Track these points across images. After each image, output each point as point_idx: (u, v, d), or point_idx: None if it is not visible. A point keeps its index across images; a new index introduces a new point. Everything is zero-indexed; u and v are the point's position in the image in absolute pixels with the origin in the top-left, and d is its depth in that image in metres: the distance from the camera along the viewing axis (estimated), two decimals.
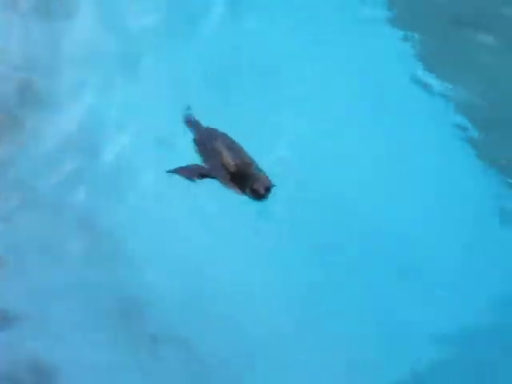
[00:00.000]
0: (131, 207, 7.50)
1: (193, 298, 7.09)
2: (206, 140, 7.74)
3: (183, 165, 7.61)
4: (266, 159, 7.60)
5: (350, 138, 7.94)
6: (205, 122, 7.97)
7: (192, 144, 7.82)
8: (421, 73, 8.56)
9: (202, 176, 7.55)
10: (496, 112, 8.27)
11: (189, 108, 8.07)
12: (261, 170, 7.47)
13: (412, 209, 7.53)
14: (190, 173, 7.55)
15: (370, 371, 6.75)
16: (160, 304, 7.07)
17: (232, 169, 7.42)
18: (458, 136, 8.10)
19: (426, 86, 8.45)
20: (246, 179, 7.33)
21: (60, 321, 6.99)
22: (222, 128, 7.83)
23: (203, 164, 7.65)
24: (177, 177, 7.59)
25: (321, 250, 7.25)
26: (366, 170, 7.74)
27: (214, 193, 7.48)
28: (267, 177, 7.41)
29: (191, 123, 7.98)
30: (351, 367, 6.78)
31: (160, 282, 7.14)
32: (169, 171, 7.59)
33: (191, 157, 7.70)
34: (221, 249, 7.23)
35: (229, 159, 7.44)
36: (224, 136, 7.71)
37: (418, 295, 7.06)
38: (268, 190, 7.31)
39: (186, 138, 7.87)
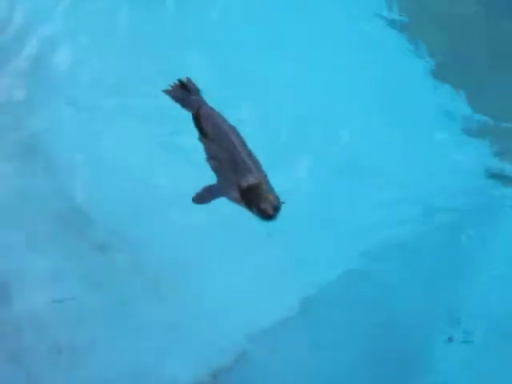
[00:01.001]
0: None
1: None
2: (218, 139, 7.44)
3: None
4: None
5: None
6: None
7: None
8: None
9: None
10: None
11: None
12: (271, 188, 7.16)
13: None
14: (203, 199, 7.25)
15: None
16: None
17: (243, 188, 7.16)
18: None
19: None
20: (254, 197, 7.05)
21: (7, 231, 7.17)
22: None
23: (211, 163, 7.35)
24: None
25: None
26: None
27: None
28: (277, 196, 7.08)
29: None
30: None
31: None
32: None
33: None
34: None
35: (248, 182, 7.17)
36: (238, 140, 7.40)
37: None
38: (277, 209, 6.99)
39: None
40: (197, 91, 7.87)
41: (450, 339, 7.21)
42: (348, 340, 7.17)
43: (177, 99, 7.85)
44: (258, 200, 7.00)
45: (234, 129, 7.49)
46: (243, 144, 7.40)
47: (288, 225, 7.11)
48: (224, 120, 7.56)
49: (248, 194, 7.09)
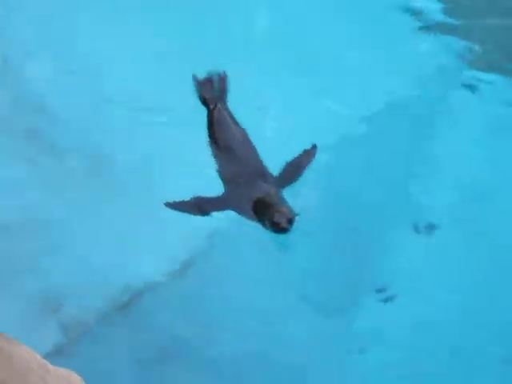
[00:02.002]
0: None
1: None
2: (228, 147, 7.09)
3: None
4: None
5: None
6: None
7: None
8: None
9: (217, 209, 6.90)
10: None
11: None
12: (284, 199, 6.78)
13: None
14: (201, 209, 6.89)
15: None
16: None
17: (255, 200, 6.78)
18: None
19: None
20: (266, 210, 6.61)
21: None
22: None
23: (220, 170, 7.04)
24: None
25: None
26: None
27: None
28: (290, 208, 6.64)
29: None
30: None
31: None
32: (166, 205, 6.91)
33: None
34: None
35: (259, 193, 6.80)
36: (250, 150, 7.09)
37: None
38: (291, 222, 6.52)
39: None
40: (224, 91, 7.53)
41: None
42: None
43: (200, 89, 7.54)
44: (270, 213, 6.54)
45: (246, 136, 7.15)
46: (256, 154, 7.06)
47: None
48: (238, 126, 7.25)
49: (260, 207, 6.67)
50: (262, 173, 6.97)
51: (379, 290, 6.92)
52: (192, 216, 7.08)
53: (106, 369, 6.31)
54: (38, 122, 7.74)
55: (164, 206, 6.83)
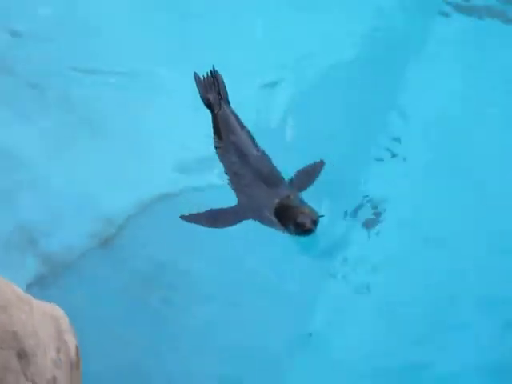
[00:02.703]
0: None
1: None
2: (236, 149, 6.82)
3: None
4: None
5: None
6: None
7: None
8: None
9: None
10: None
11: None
12: (304, 202, 6.60)
13: None
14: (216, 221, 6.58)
15: None
16: None
17: (277, 205, 6.55)
18: None
19: None
20: (289, 213, 6.41)
21: None
22: None
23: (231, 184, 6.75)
24: None
25: None
26: None
27: None
28: (313, 209, 6.47)
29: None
30: None
31: None
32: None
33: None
34: None
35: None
36: (259, 152, 6.83)
37: None
38: (315, 223, 6.34)
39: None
40: (224, 90, 7.21)
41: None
42: None
43: (203, 92, 7.24)
44: (294, 215, 6.35)
45: (253, 138, 6.93)
46: (266, 157, 6.84)
47: None
48: (243, 127, 7.00)
49: (282, 212, 6.47)
50: (277, 177, 6.78)
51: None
52: (170, 150, 7.13)
53: (87, 302, 6.29)
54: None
55: (181, 218, 6.57)
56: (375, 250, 6.71)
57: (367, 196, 7.03)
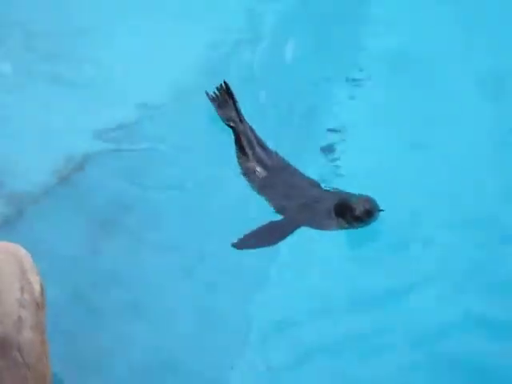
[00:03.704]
0: None
1: None
2: (262, 160, 6.70)
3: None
4: None
5: None
6: None
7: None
8: None
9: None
10: None
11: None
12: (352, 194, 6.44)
13: None
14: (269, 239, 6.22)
15: None
16: None
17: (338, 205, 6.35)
18: None
19: None
20: (347, 210, 6.28)
21: None
22: None
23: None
24: None
25: None
26: None
27: None
28: (365, 198, 6.33)
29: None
30: None
31: None
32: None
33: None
34: None
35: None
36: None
37: None
38: (371, 213, 6.28)
39: None
40: (235, 100, 7.04)
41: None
42: None
43: (221, 112, 7.07)
44: (350, 210, 6.24)
45: (268, 147, 6.83)
46: (292, 166, 6.74)
47: None
48: (260, 138, 6.89)
49: (343, 210, 6.31)
50: (312, 183, 6.68)
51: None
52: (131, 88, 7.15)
53: (50, 241, 6.24)
54: None
55: (232, 246, 6.17)
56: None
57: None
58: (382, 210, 6.30)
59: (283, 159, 6.79)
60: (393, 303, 5.93)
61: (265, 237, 6.20)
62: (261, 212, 6.43)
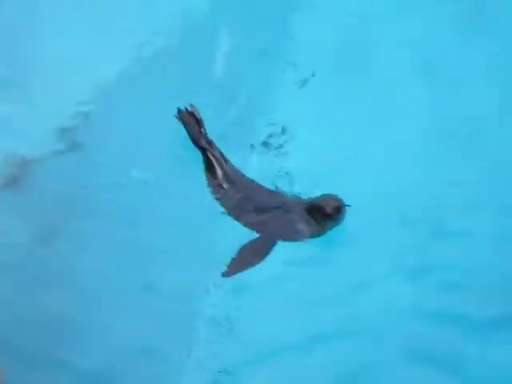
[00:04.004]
0: None
1: None
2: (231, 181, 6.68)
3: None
4: None
5: None
6: None
7: None
8: None
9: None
10: None
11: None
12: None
13: None
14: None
15: None
16: None
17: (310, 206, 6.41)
18: None
19: None
20: (318, 210, 6.34)
21: None
22: None
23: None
24: None
25: None
26: None
27: None
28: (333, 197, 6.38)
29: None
30: None
31: None
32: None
33: None
34: None
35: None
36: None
37: None
38: (339, 209, 6.32)
39: None
40: (202, 123, 6.93)
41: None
42: None
43: (193, 136, 6.93)
44: (320, 209, 6.30)
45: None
46: (255, 182, 6.71)
47: None
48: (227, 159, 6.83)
49: (311, 212, 6.36)
50: (275, 192, 6.69)
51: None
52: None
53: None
54: None
55: (222, 276, 6.12)
56: None
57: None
58: (348, 206, 6.36)
59: (243, 174, 6.78)
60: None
61: (249, 258, 6.21)
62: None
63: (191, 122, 6.94)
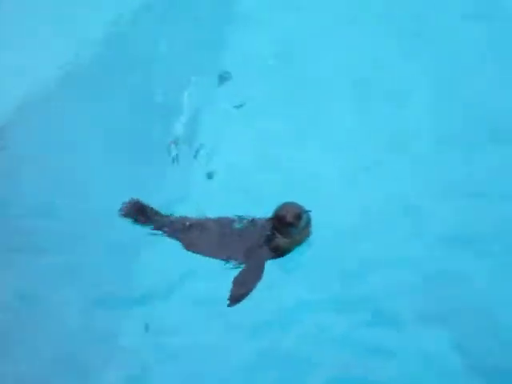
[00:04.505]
0: None
1: None
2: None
3: None
4: None
5: None
6: None
7: None
8: None
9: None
10: None
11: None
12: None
13: None
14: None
15: None
16: None
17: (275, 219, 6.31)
18: None
19: None
20: (277, 221, 6.27)
21: None
22: None
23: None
24: None
25: None
26: None
27: None
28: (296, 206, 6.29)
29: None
30: None
31: None
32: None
33: None
34: None
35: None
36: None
37: None
38: (299, 216, 6.23)
39: None
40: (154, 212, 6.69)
41: None
42: None
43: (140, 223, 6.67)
44: (282, 219, 6.19)
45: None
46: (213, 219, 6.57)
47: None
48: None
49: (274, 225, 6.28)
50: (228, 221, 6.54)
51: None
52: None
53: None
54: None
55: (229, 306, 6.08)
56: None
57: None
58: (308, 211, 6.27)
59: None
60: None
61: (245, 285, 6.16)
62: None
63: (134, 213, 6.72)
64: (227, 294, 6.01)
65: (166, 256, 6.31)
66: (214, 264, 6.21)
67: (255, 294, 6.05)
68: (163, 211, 6.58)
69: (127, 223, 6.53)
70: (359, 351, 5.72)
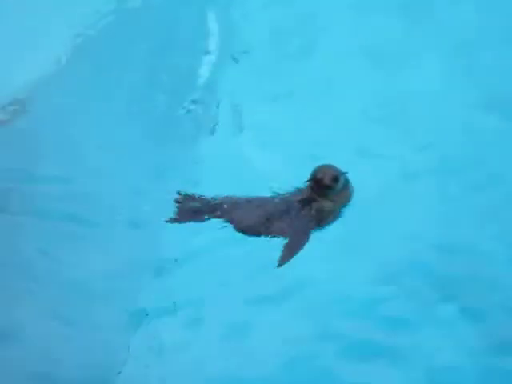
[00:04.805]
0: None
1: None
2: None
3: None
4: None
5: None
6: None
7: None
8: None
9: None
10: None
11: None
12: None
13: None
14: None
15: None
16: None
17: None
18: None
19: None
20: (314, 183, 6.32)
21: None
22: None
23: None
24: None
25: None
26: None
27: None
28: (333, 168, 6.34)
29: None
30: None
31: None
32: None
33: None
34: None
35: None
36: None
37: None
38: (336, 179, 6.29)
39: None
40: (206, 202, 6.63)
41: None
42: None
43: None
44: (319, 182, 6.26)
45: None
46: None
47: None
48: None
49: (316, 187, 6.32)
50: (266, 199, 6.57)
51: None
52: None
53: None
54: None
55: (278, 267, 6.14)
56: None
57: None
58: (345, 172, 6.35)
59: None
60: None
61: (294, 246, 6.24)
62: None
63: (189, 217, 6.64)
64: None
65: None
66: None
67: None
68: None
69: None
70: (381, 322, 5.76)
